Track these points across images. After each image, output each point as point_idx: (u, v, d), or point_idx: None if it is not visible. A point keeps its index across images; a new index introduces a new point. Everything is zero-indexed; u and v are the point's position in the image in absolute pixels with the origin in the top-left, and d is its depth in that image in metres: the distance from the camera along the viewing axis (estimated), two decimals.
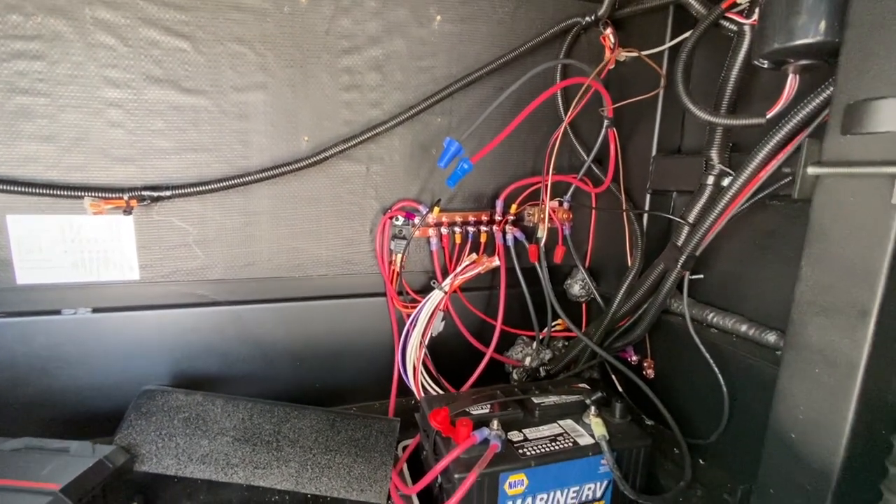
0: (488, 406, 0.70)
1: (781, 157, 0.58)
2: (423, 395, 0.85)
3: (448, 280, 0.85)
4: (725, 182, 0.68)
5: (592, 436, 0.65)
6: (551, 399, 0.73)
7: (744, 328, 0.71)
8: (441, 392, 0.88)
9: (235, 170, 0.76)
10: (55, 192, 0.67)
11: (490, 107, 0.74)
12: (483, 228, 0.91)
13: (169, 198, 0.72)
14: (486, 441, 0.60)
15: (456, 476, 0.57)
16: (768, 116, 0.57)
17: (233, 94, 0.74)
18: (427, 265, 0.90)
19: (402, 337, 0.85)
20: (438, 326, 0.84)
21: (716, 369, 0.71)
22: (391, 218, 0.86)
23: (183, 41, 0.70)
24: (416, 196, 0.88)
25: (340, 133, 0.80)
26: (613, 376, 0.94)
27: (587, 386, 0.78)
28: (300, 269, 0.84)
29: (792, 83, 0.55)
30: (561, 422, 0.69)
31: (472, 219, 0.90)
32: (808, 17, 0.48)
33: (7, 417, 0.73)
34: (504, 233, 0.91)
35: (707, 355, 0.72)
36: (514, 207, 0.91)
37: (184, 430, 0.68)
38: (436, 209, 0.86)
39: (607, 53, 0.87)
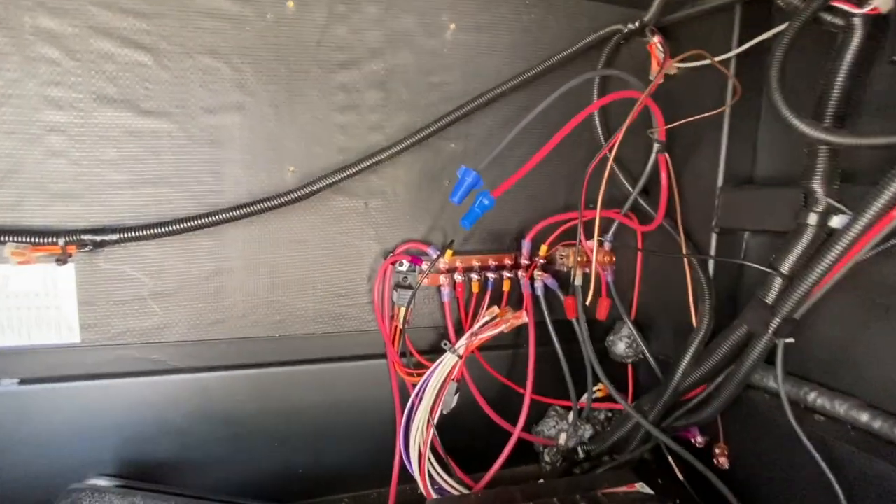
0: None
1: None
2: (429, 489, 0.67)
3: (463, 341, 0.68)
4: (836, 222, 0.51)
5: None
6: None
7: (865, 417, 0.52)
8: (453, 487, 0.69)
9: (204, 207, 0.62)
10: None
11: (514, 129, 0.59)
12: (506, 275, 0.74)
13: (117, 242, 0.58)
14: None
15: None
16: None
17: (203, 116, 0.61)
18: (438, 320, 0.74)
19: (406, 412, 0.67)
20: (451, 402, 0.67)
21: (828, 473, 0.52)
22: (394, 263, 0.70)
23: (143, 54, 0.58)
24: (425, 236, 0.73)
25: (334, 162, 0.66)
26: (671, 458, 0.75)
27: (645, 488, 0.59)
28: (281, 328, 0.68)
29: None
30: None
31: (492, 263, 0.74)
32: None
33: None
34: (532, 280, 0.75)
35: (813, 451, 0.53)
36: (544, 249, 0.75)
37: None
38: (448, 252, 0.70)
39: (655, 66, 0.73)
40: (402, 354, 0.71)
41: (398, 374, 0.71)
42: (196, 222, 0.60)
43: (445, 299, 0.72)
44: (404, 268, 0.71)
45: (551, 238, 0.75)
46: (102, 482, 0.62)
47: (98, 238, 0.57)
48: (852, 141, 0.44)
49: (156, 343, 0.64)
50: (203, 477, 0.67)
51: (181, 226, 0.60)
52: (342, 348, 0.71)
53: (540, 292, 0.75)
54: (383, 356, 0.72)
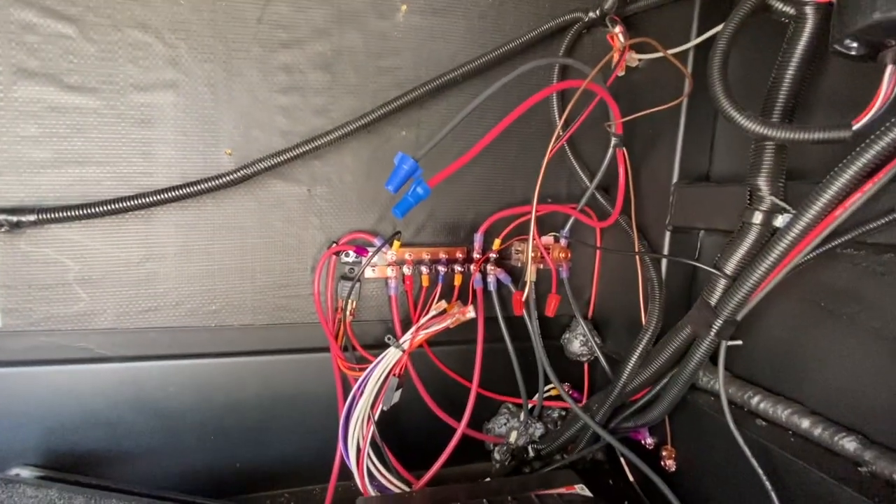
0: None
1: (871, 186, 0.39)
2: (367, 486, 0.65)
3: (408, 335, 0.66)
4: (780, 221, 0.49)
5: None
6: None
7: (806, 424, 0.51)
8: (394, 484, 0.67)
9: (133, 189, 0.59)
10: None
11: (458, 116, 0.56)
12: (458, 268, 0.72)
13: (35, 223, 0.55)
14: None
15: None
16: (855, 127, 0.39)
17: (133, 93, 0.58)
18: (385, 314, 0.72)
19: (346, 407, 0.65)
20: (392, 397, 0.65)
21: (764, 479, 0.50)
22: (338, 253, 0.68)
23: (67, 25, 0.55)
24: (373, 227, 0.71)
25: (274, 145, 0.63)
26: (623, 460, 0.74)
27: (584, 490, 0.57)
28: (217, 317, 0.66)
29: (892, 77, 0.37)
30: None
31: (443, 256, 0.72)
32: None
33: None
34: (484, 274, 0.73)
35: (750, 457, 0.51)
36: (497, 243, 0.73)
37: None
38: (396, 243, 0.68)
39: (616, 56, 0.70)
40: (346, 348, 0.69)
41: (340, 368, 0.69)
42: (123, 204, 0.57)
43: (392, 292, 0.69)
44: (350, 258, 0.69)
45: (505, 231, 0.73)
46: (25, 472, 0.60)
47: (14, 219, 0.54)
48: (791, 135, 0.42)
49: (82, 330, 0.61)
50: (133, 469, 0.64)
51: (106, 207, 0.57)
52: (283, 341, 0.69)
53: (492, 287, 0.73)
54: (326, 349, 0.70)
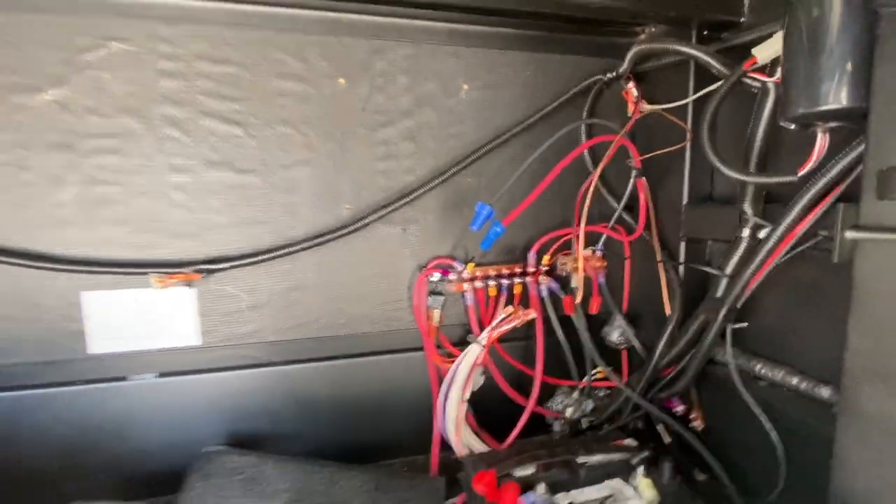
0: (532, 467, 0.70)
1: (818, 211, 0.58)
2: (465, 451, 0.86)
3: (485, 333, 0.86)
4: (762, 234, 0.68)
5: (642, 497, 0.64)
6: (596, 458, 0.72)
7: (794, 381, 0.69)
8: (484, 447, 0.88)
9: (284, 239, 0.82)
10: (129, 271, 0.74)
11: (518, 170, 0.77)
12: (517, 280, 0.92)
13: (224, 269, 0.78)
14: None
15: None
16: (800, 174, 0.58)
17: (281, 171, 0.81)
18: (463, 319, 0.93)
19: (443, 392, 0.86)
20: (478, 381, 0.85)
21: (767, 426, 0.68)
22: (427, 275, 0.89)
23: (237, 128, 0.78)
24: (450, 252, 0.92)
25: (378, 200, 0.85)
26: (659, 427, 0.92)
27: (633, 442, 0.77)
28: (345, 328, 0.88)
29: (822, 142, 0.56)
30: (609, 482, 0.68)
31: (505, 271, 0.92)
32: (831, 84, 0.49)
33: (80, 481, 0.79)
34: (538, 284, 0.93)
35: (758, 411, 0.70)
36: (546, 258, 0.93)
37: (241, 491, 0.71)
38: (470, 265, 0.88)
39: (630, 107, 0.90)
40: (438, 346, 0.90)
41: (434, 363, 0.90)
42: (279, 252, 0.80)
43: (469, 302, 0.90)
44: (436, 278, 0.90)
45: (552, 249, 0.93)
46: (221, 449, 0.83)
47: (212, 267, 0.77)
48: (757, 180, 0.61)
49: (252, 343, 0.84)
50: (286, 445, 0.87)
51: (269, 255, 0.80)
52: (390, 343, 0.90)
53: (545, 294, 0.93)
54: (421, 349, 0.91)
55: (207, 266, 0.77)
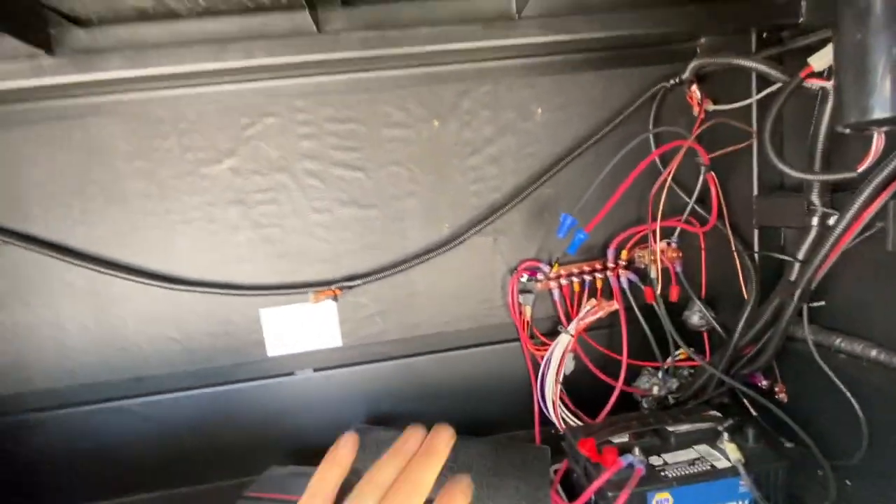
0: (626, 435, 0.82)
1: (878, 203, 0.64)
2: (563, 426, 1.00)
3: (573, 325, 0.99)
4: (831, 221, 0.74)
5: (729, 459, 0.74)
6: (684, 427, 0.83)
7: (873, 353, 0.75)
8: (580, 423, 1.01)
9: (399, 257, 1.01)
10: (291, 291, 0.97)
11: (594, 182, 0.89)
12: (598, 275, 1.04)
13: (358, 285, 0.99)
14: (630, 465, 0.73)
15: (610, 494, 0.71)
16: (859, 171, 0.64)
17: (394, 202, 1.00)
18: (552, 312, 1.06)
19: (540, 376, 1.01)
20: (570, 365, 0.99)
21: (848, 394, 0.75)
22: (517, 277, 1.04)
23: (359, 172, 0.98)
24: (536, 255, 1.05)
25: (472, 216, 1.01)
26: (745, 401, 0.99)
27: (718, 413, 0.86)
28: (451, 325, 1.05)
29: (878, 143, 0.62)
30: (696, 447, 0.79)
31: (587, 268, 1.04)
32: (880, 95, 0.56)
33: (264, 452, 1.04)
34: (618, 277, 1.03)
35: (836, 380, 0.76)
36: (624, 253, 1.03)
37: None
38: (555, 266, 1.02)
39: (695, 108, 0.97)
40: (532, 337, 1.05)
41: (529, 351, 1.04)
42: (396, 269, 0.99)
43: (556, 298, 1.04)
44: (525, 279, 1.04)
45: (629, 245, 1.03)
46: (364, 426, 1.04)
47: (350, 284, 0.98)
48: (818, 178, 0.68)
49: (380, 342, 1.04)
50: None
51: (389, 272, 0.99)
52: (489, 336, 1.07)
53: (625, 286, 1.03)
54: (517, 339, 1.06)
55: (346, 283, 0.98)
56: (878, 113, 0.56)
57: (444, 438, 0.42)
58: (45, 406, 1.00)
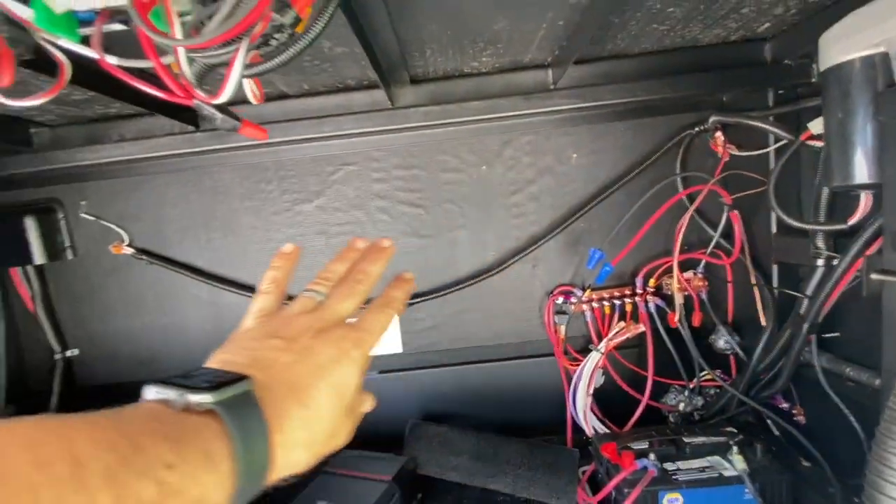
0: (646, 443, 0.95)
1: (869, 253, 0.74)
2: (593, 433, 1.13)
3: (603, 343, 1.13)
4: (835, 262, 0.83)
5: (735, 469, 0.85)
6: (699, 439, 0.94)
7: (877, 382, 0.82)
8: (608, 431, 1.14)
9: (451, 280, 1.19)
10: (363, 307, 1.18)
11: (622, 220, 1.03)
12: (627, 300, 1.16)
13: (418, 303, 1.18)
14: (645, 468, 0.86)
15: (625, 491, 0.84)
16: (850, 224, 0.74)
17: (447, 233, 1.18)
18: (584, 332, 1.20)
19: (572, 388, 1.15)
20: (599, 380, 1.12)
21: (851, 418, 0.83)
22: (554, 299, 1.18)
23: (419, 209, 1.18)
24: (570, 281, 1.20)
25: (513, 246, 1.18)
26: (769, 421, 1.08)
27: (734, 429, 0.96)
28: (496, 339, 1.22)
29: (866, 201, 0.72)
30: (709, 457, 0.90)
31: (617, 294, 1.17)
32: (856, 165, 0.67)
33: None
34: (646, 302, 1.15)
35: (842, 405, 0.85)
36: (652, 281, 1.15)
37: (439, 449, 1.09)
38: (588, 291, 1.15)
39: (719, 151, 1.08)
40: (565, 353, 1.19)
41: (563, 366, 1.18)
42: (448, 290, 1.17)
43: (588, 319, 1.17)
44: (560, 301, 1.18)
45: (657, 274, 1.15)
46: (420, 422, 1.23)
47: (411, 301, 1.17)
48: (817, 227, 0.78)
49: (434, 351, 1.23)
50: (462, 422, 1.23)
51: (442, 293, 1.17)
52: (527, 350, 1.22)
53: (653, 310, 1.15)
54: (552, 355, 1.20)
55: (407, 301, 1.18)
56: (858, 179, 0.67)
57: (386, 242, 0.50)
58: None
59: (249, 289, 1.19)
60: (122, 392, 1.17)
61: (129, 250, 1.18)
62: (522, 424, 1.24)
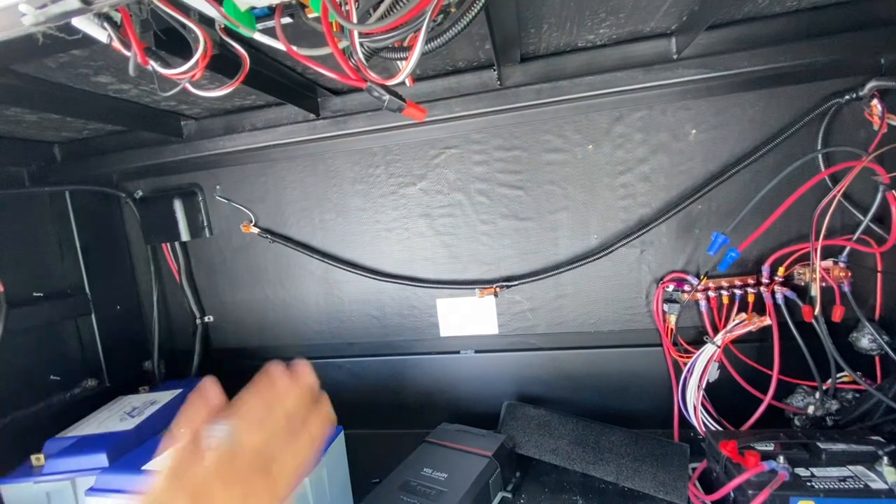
0: (772, 444, 0.87)
1: None
2: (704, 429, 1.06)
3: (720, 336, 1.04)
4: None
5: (886, 482, 0.75)
6: (839, 446, 0.84)
7: None
8: (720, 429, 1.06)
9: (551, 263, 1.17)
10: (461, 287, 1.21)
11: (750, 202, 0.93)
12: (750, 290, 1.06)
13: (514, 285, 1.18)
14: (773, 471, 0.79)
15: (750, 493, 0.78)
16: None
17: (548, 215, 1.16)
18: (697, 322, 1.12)
19: (682, 381, 1.08)
20: (714, 374, 1.04)
21: None
22: (664, 287, 1.12)
23: (519, 191, 1.17)
24: (683, 267, 1.12)
25: (619, 229, 1.12)
26: None
27: (881, 438, 0.85)
28: (595, 326, 1.18)
29: None
30: (851, 467, 0.81)
31: (737, 282, 1.07)
32: None
33: (434, 413, 1.30)
34: (773, 293, 1.04)
35: None
36: (781, 270, 1.04)
37: (537, 431, 1.10)
38: (704, 278, 1.07)
39: (876, 123, 0.93)
40: (674, 344, 1.12)
41: (672, 357, 1.12)
42: (548, 273, 1.15)
43: (703, 309, 1.09)
44: (671, 289, 1.11)
45: (787, 262, 1.03)
46: (517, 403, 1.24)
47: (508, 284, 1.18)
48: None
49: (530, 334, 1.22)
50: (558, 407, 1.22)
51: (541, 276, 1.16)
52: (630, 339, 1.17)
53: (780, 301, 1.04)
54: (659, 345, 1.14)
55: (505, 283, 1.18)
56: None
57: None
58: (289, 357, 1.41)
59: (356, 267, 1.27)
60: (247, 356, 1.32)
61: (256, 230, 1.31)
62: (622, 414, 1.20)
